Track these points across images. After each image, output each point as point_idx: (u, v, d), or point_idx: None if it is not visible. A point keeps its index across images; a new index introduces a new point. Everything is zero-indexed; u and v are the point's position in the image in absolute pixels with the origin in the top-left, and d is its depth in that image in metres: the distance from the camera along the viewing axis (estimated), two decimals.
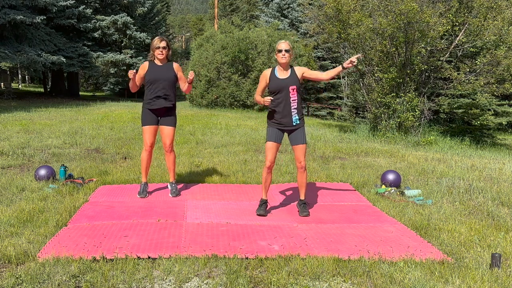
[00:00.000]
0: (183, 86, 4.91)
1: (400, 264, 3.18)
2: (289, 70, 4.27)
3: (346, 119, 22.14)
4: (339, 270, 3.08)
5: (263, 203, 4.40)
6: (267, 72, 4.33)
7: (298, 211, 4.46)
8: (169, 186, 5.13)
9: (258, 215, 4.32)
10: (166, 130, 4.92)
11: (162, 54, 4.75)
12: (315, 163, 6.85)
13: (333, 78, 4.35)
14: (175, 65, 4.90)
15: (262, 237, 3.70)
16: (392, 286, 2.88)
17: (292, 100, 4.23)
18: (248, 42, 20.08)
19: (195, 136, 9.54)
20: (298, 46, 21.12)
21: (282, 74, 4.26)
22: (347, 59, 16.05)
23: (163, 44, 4.75)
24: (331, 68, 26.87)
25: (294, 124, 4.28)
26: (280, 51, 4.19)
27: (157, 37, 4.83)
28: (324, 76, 4.30)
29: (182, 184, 5.55)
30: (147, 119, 4.87)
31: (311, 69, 4.47)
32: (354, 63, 4.08)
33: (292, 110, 4.25)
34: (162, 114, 4.89)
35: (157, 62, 4.83)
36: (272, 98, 4.20)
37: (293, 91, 4.22)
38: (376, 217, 4.39)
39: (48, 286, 2.78)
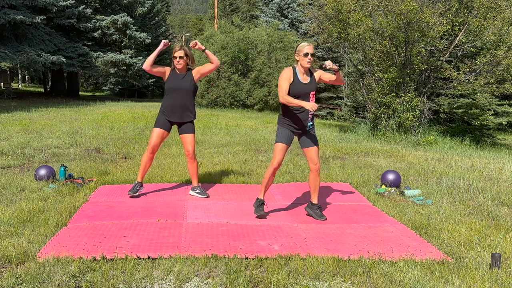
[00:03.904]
0: (211, 65, 4.80)
1: (400, 264, 3.18)
2: (309, 74, 4.19)
3: (346, 119, 22.12)
4: (339, 270, 3.08)
5: (262, 203, 4.28)
6: (290, 72, 4.14)
7: (312, 216, 4.33)
8: (192, 191, 5.04)
9: (258, 216, 4.23)
10: (187, 138, 4.90)
11: (180, 64, 4.70)
12: None
13: (340, 78, 4.24)
14: (194, 71, 4.83)
15: (262, 237, 3.70)
16: (392, 286, 2.88)
17: None
18: (248, 42, 20.07)
19: (195, 136, 9.53)
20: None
21: (303, 78, 4.15)
22: (347, 59, 16.05)
23: (180, 53, 4.67)
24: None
25: (307, 129, 4.22)
26: (306, 54, 4.06)
27: (177, 46, 4.75)
28: (334, 78, 4.24)
29: (182, 184, 5.55)
30: (161, 122, 4.84)
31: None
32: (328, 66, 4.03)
33: (309, 116, 4.18)
34: (180, 124, 4.91)
35: (177, 71, 4.79)
36: (316, 107, 3.98)
37: (313, 96, 4.16)
38: (376, 217, 4.39)
39: (48, 286, 2.78)
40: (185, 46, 4.80)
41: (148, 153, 4.86)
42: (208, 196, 4.98)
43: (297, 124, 4.18)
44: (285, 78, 4.12)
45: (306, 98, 4.13)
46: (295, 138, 4.42)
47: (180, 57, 4.69)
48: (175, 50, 4.71)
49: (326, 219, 4.30)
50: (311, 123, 4.23)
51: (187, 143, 4.91)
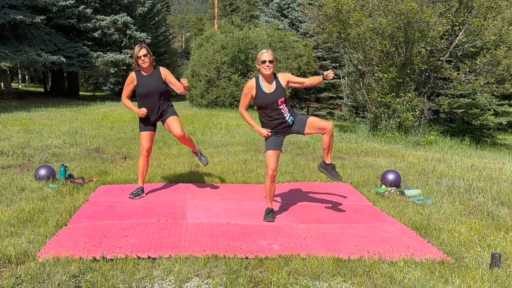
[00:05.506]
0: (177, 90, 4.75)
1: (400, 264, 3.18)
2: (274, 81, 4.11)
3: (346, 119, 22.11)
4: (339, 270, 3.08)
5: (270, 211, 4.25)
6: (252, 84, 4.16)
7: (327, 174, 4.28)
8: (196, 156, 5.18)
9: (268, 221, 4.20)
10: (170, 122, 4.78)
11: (146, 63, 4.64)
12: (315, 163, 6.85)
13: (313, 85, 4.20)
14: (163, 71, 4.76)
15: (262, 237, 3.70)
16: (392, 286, 2.88)
17: (283, 110, 4.13)
18: (248, 42, 20.07)
19: (195, 136, 9.54)
20: (298, 46, 21.11)
21: (267, 87, 4.11)
22: (347, 59, 16.05)
23: (143, 52, 4.61)
24: (331, 68, 26.76)
25: (290, 123, 4.18)
26: (263, 62, 4.02)
27: (136, 46, 4.70)
28: (307, 82, 4.18)
29: (182, 184, 5.55)
30: (144, 126, 4.84)
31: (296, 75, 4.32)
32: (331, 77, 3.98)
33: (285, 116, 4.14)
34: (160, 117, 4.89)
35: (143, 72, 4.73)
36: (270, 134, 4.14)
37: (281, 103, 4.10)
38: (376, 217, 4.39)
39: (48, 286, 2.78)
40: (145, 44, 4.74)
41: (143, 157, 4.88)
42: (207, 162, 5.19)
43: (278, 129, 4.18)
44: (244, 94, 4.20)
45: (273, 107, 4.09)
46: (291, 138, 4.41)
47: (144, 55, 4.62)
48: (137, 51, 4.64)
49: (341, 179, 4.30)
50: (291, 118, 4.17)
51: (173, 128, 4.77)
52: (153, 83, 4.71)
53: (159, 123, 4.92)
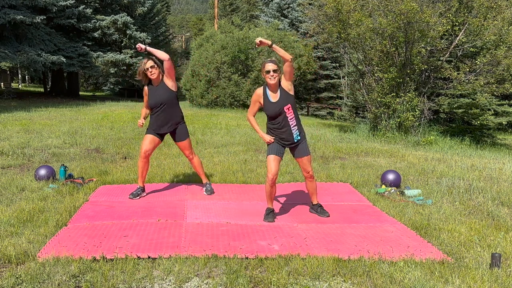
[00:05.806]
0: (164, 61, 4.61)
1: (400, 264, 3.18)
2: (279, 89, 4.11)
3: (346, 119, 22.11)
4: (339, 270, 3.08)
5: (271, 211, 4.26)
6: (259, 92, 4.18)
7: (316, 214, 4.45)
8: (203, 187, 5.22)
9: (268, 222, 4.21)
10: (181, 145, 4.97)
11: (154, 74, 4.63)
12: (315, 163, 6.86)
13: (288, 57, 4.11)
14: (165, 78, 4.75)
15: (262, 237, 3.70)
16: (392, 286, 2.88)
17: (290, 119, 4.13)
18: (248, 42, 20.07)
19: (195, 136, 9.54)
20: (298, 46, 21.10)
21: (273, 96, 4.12)
22: (347, 59, 16.03)
23: (150, 63, 4.61)
24: (331, 68, 26.55)
25: (295, 140, 4.20)
26: (268, 72, 4.02)
27: (144, 59, 4.69)
28: (286, 62, 3.99)
29: (182, 184, 5.55)
30: (151, 129, 4.89)
31: (283, 69, 4.21)
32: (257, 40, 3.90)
33: (292, 128, 4.16)
34: (171, 131, 4.93)
35: (153, 83, 4.76)
36: (272, 141, 4.18)
37: (288, 110, 4.11)
38: (376, 217, 4.39)
39: (48, 286, 2.78)
40: (150, 56, 4.70)
41: (141, 158, 4.88)
42: (213, 193, 5.13)
43: (282, 138, 4.19)
44: (253, 101, 4.26)
45: (281, 115, 4.10)
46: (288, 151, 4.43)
47: (152, 67, 4.63)
48: (144, 63, 4.63)
49: (329, 216, 4.37)
50: (297, 133, 4.19)
51: (182, 149, 5.02)
52: (161, 93, 4.73)
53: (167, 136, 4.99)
